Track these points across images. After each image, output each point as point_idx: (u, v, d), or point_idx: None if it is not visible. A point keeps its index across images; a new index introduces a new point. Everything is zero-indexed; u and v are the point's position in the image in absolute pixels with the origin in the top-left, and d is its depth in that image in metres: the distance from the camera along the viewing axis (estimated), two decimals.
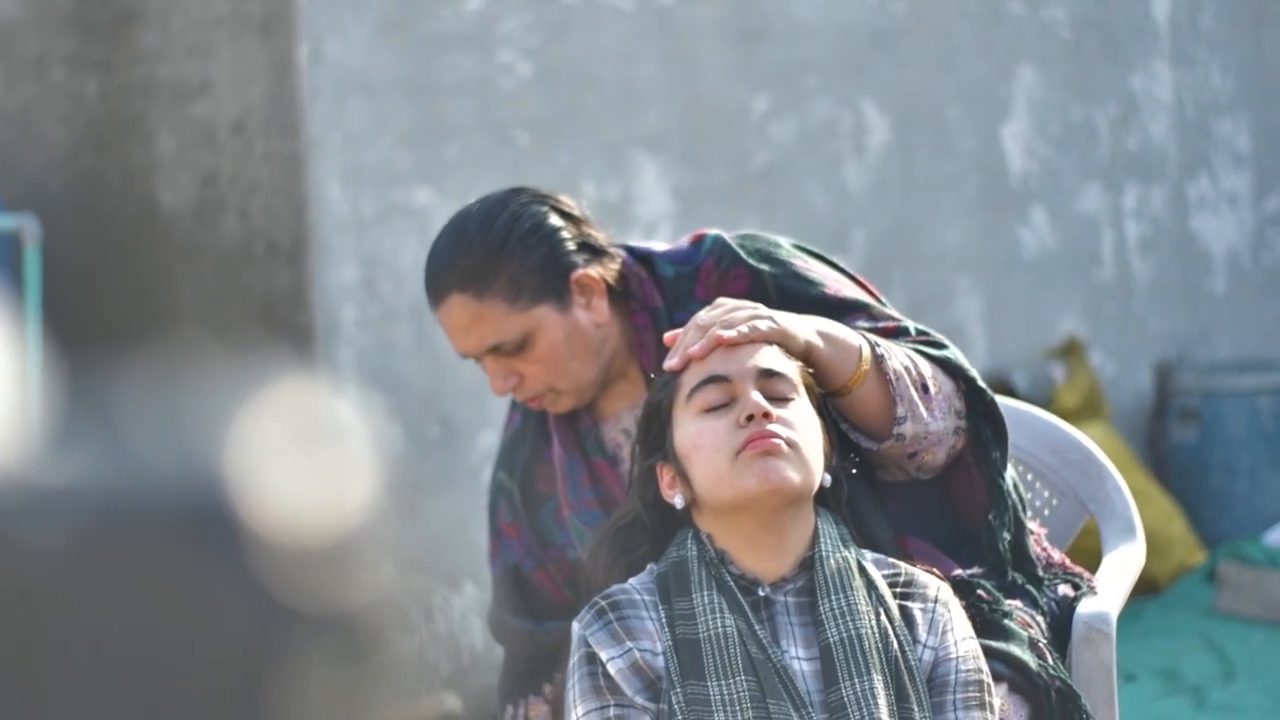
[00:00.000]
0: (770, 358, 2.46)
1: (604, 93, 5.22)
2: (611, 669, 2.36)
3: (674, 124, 5.34)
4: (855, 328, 2.62)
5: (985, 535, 2.62)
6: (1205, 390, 6.20)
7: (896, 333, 2.67)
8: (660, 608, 2.39)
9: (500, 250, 2.69)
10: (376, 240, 4.89)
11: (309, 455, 0.83)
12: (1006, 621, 2.54)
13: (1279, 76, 6.75)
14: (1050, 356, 6.07)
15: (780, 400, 2.43)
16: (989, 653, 2.46)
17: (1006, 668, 2.49)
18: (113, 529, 0.77)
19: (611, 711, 2.35)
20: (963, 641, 2.41)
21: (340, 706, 0.82)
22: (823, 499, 2.47)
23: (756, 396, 2.41)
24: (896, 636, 2.38)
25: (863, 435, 2.57)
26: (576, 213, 2.78)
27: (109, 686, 0.75)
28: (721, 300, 2.56)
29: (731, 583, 2.39)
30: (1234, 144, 6.62)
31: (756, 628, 2.37)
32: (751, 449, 2.38)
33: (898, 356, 2.57)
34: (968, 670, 2.39)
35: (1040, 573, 2.67)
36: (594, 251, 2.75)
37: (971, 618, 2.48)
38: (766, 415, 2.40)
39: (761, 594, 2.40)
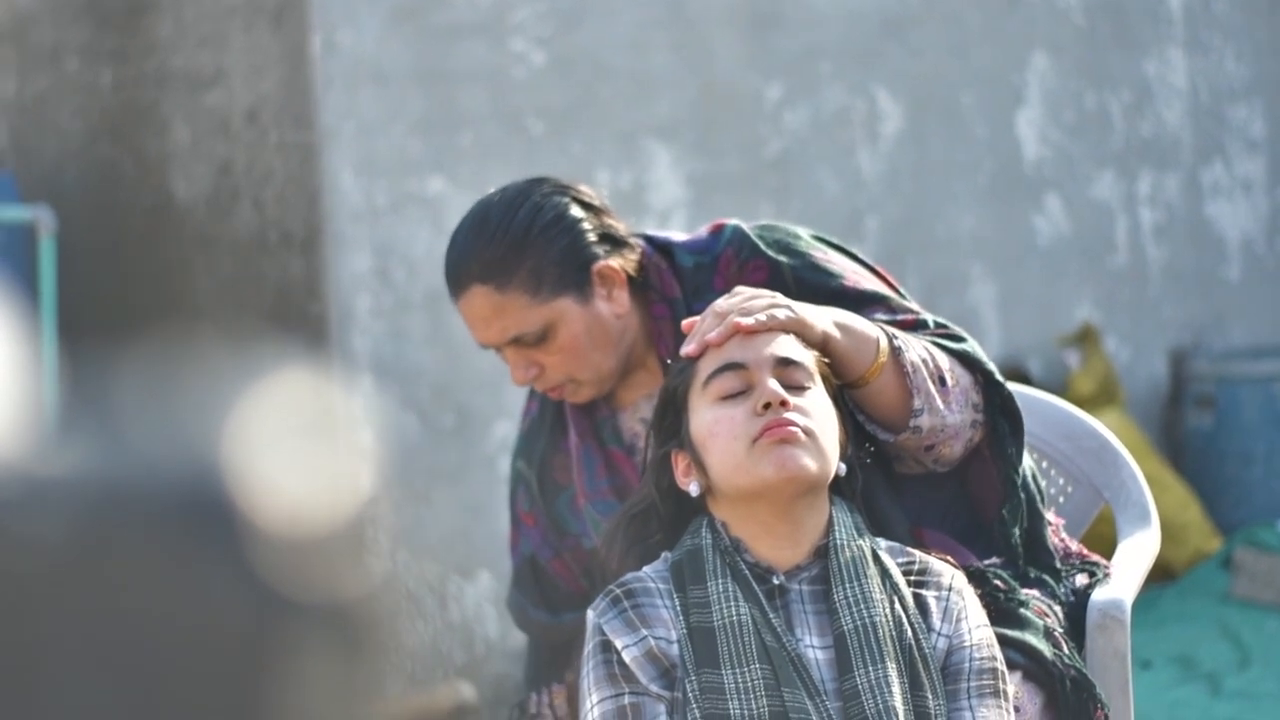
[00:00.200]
0: (787, 346, 2.46)
1: (617, 81, 5.22)
2: (626, 657, 2.36)
3: (687, 112, 5.34)
4: (874, 320, 2.61)
5: (998, 529, 2.62)
6: (1220, 377, 6.20)
7: (915, 325, 2.66)
8: (675, 596, 2.39)
9: (522, 242, 2.69)
10: (390, 229, 4.89)
11: (320, 444, 0.83)
12: (1022, 610, 2.54)
13: None
14: (1065, 343, 6.07)
15: (797, 389, 2.43)
16: (1004, 641, 2.46)
17: (1021, 656, 2.49)
18: (118, 519, 0.78)
19: (626, 699, 2.35)
20: (977, 629, 2.41)
21: (350, 696, 0.82)
22: (838, 488, 2.47)
23: (773, 384, 2.41)
24: (911, 625, 2.38)
25: (879, 427, 2.56)
26: (597, 203, 2.77)
27: (114, 676, 0.76)
28: (740, 288, 2.55)
29: (746, 571, 2.39)
30: (1248, 130, 6.61)
31: (771, 616, 2.37)
32: (768, 437, 2.38)
33: (915, 349, 2.56)
34: (982, 658, 2.39)
35: (1058, 564, 2.66)
36: (615, 242, 2.75)
37: (987, 606, 2.48)
38: (783, 403, 2.40)
39: (776, 582, 2.40)
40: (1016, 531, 2.61)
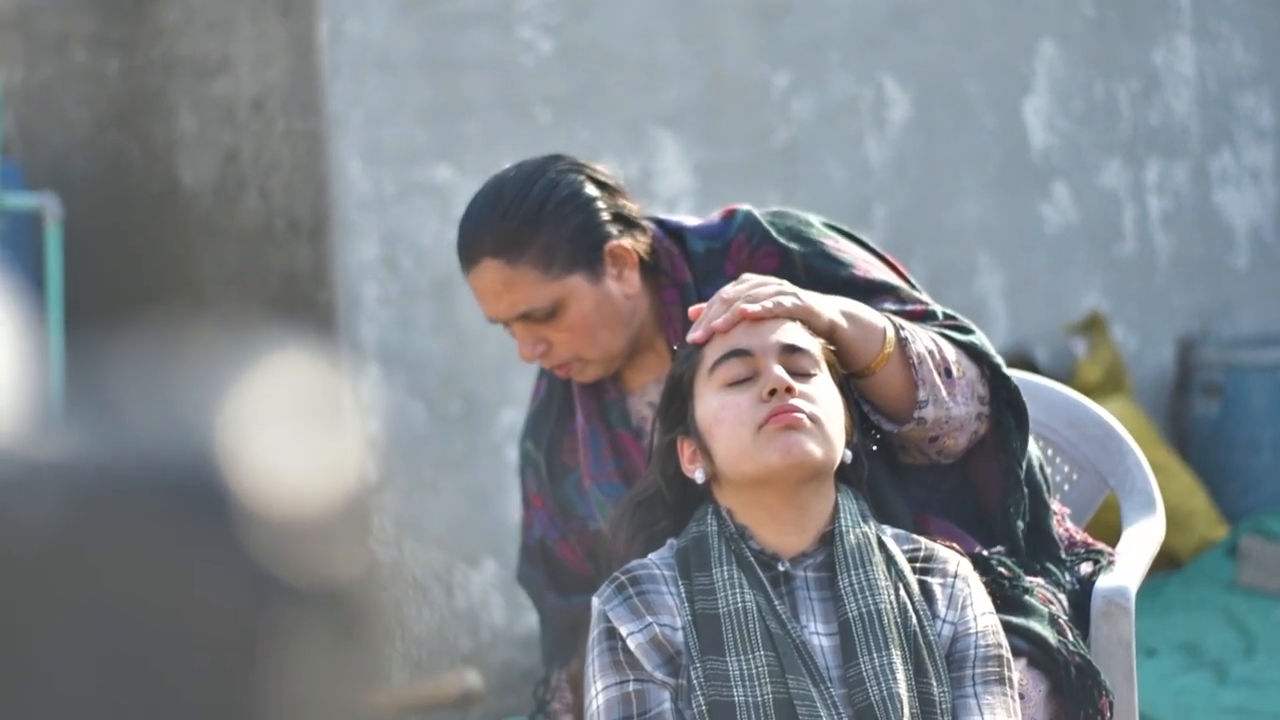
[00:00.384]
0: (793, 333, 2.46)
1: (624, 69, 5.22)
2: (631, 644, 2.36)
3: (694, 100, 5.34)
4: (882, 310, 2.61)
5: (1000, 521, 2.62)
6: (1228, 365, 6.20)
7: (923, 316, 2.66)
8: (680, 583, 2.40)
9: (536, 218, 2.69)
10: (397, 217, 4.90)
11: (327, 432, 0.84)
12: (1027, 597, 2.54)
13: None
14: (1072, 332, 6.07)
15: (803, 375, 2.43)
16: (1008, 628, 2.46)
17: (1026, 643, 2.49)
18: (121, 504, 0.78)
19: (631, 686, 2.36)
20: (982, 617, 2.41)
21: (356, 684, 0.83)
22: (843, 475, 2.48)
23: (779, 371, 2.41)
24: (916, 611, 2.38)
25: (884, 417, 2.56)
26: (612, 182, 2.77)
27: (112, 663, 0.76)
28: (747, 275, 2.55)
29: (751, 558, 2.40)
30: (1257, 119, 6.60)
31: (776, 603, 2.37)
32: (774, 423, 2.39)
33: (922, 340, 2.56)
34: (987, 645, 2.39)
35: (1063, 554, 2.66)
36: (628, 223, 2.75)
37: (992, 593, 2.48)
38: (789, 390, 2.40)
39: (781, 569, 2.40)
40: (1020, 525, 2.61)
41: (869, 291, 2.68)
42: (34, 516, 0.78)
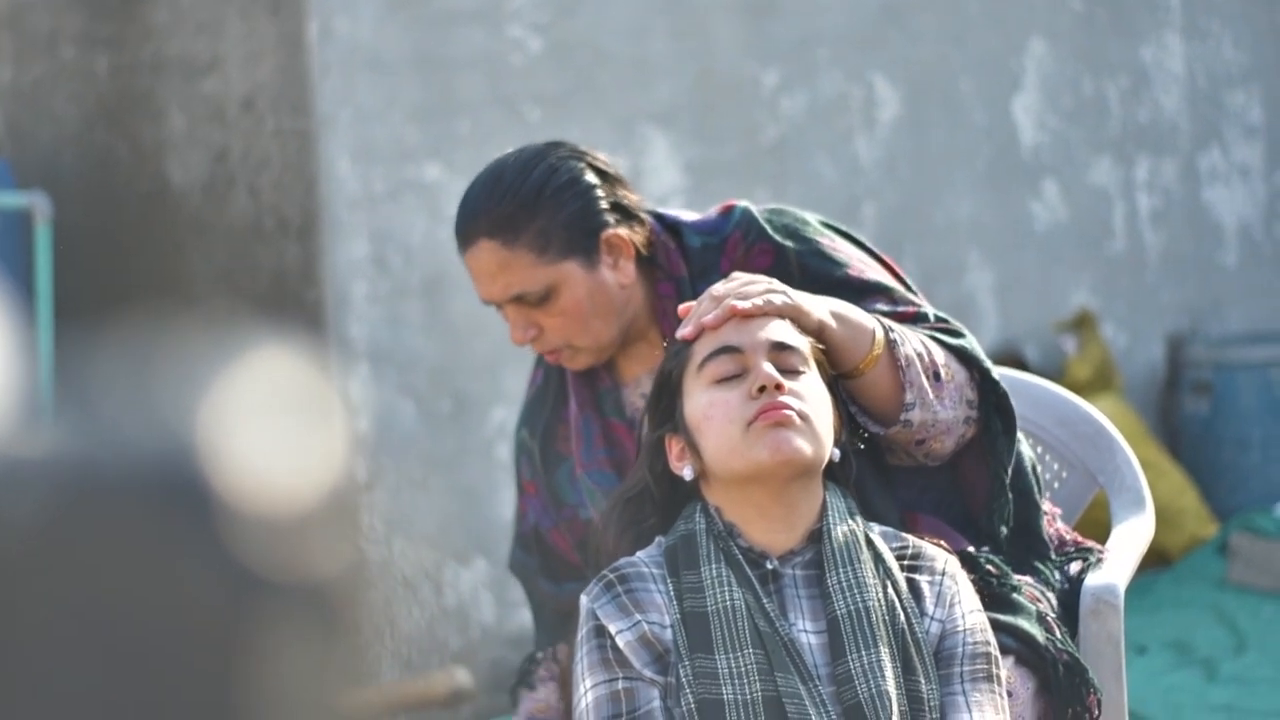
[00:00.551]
0: (782, 331, 2.46)
1: (614, 67, 5.22)
2: (620, 642, 2.36)
3: (684, 98, 5.34)
4: (875, 311, 2.61)
5: (984, 524, 2.63)
6: (1217, 362, 6.20)
7: (915, 318, 2.66)
8: (668, 580, 2.40)
9: (534, 201, 2.70)
10: (387, 216, 4.90)
11: (316, 431, 0.84)
12: (1015, 595, 2.54)
13: None
14: (1062, 329, 6.07)
15: (792, 373, 2.44)
16: (997, 626, 2.46)
17: (1014, 640, 2.50)
18: (108, 503, 0.78)
19: (620, 684, 2.36)
20: (970, 614, 2.41)
21: (347, 682, 0.83)
22: (831, 474, 2.48)
23: (768, 368, 2.42)
24: (904, 609, 2.38)
25: (870, 419, 2.56)
26: (612, 172, 2.78)
27: (103, 660, 0.76)
28: (737, 273, 2.56)
29: (740, 556, 2.40)
30: (1246, 116, 6.61)
31: (764, 601, 2.37)
32: (763, 420, 2.39)
33: (912, 342, 2.56)
34: (975, 643, 2.39)
35: (1053, 554, 2.67)
36: (626, 213, 2.75)
37: (980, 591, 2.48)
38: (779, 387, 2.40)
39: (770, 567, 2.40)
40: (1004, 530, 2.61)
41: (862, 291, 2.68)
42: (22, 514, 0.78)
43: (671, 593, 2.39)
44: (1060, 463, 2.94)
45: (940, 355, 2.59)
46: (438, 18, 4.96)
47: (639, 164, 5.23)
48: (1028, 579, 2.60)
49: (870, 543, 2.43)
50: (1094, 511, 3.01)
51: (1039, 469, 2.75)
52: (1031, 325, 6.06)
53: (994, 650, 2.40)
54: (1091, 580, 2.65)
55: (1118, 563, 2.70)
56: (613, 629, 2.37)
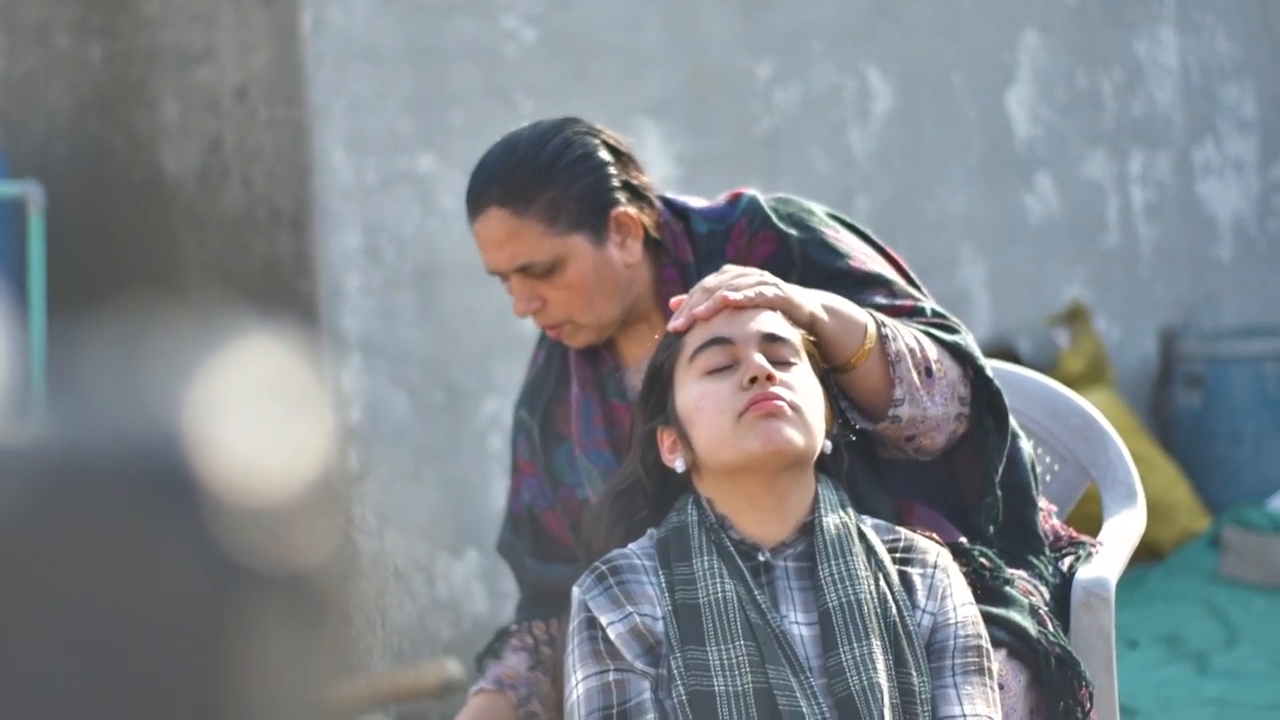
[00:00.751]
0: (774, 322, 2.46)
1: (608, 59, 5.22)
2: (611, 634, 2.36)
3: (678, 90, 5.34)
4: (872, 304, 2.61)
5: (974, 519, 2.63)
6: (1210, 356, 6.21)
7: (912, 312, 2.66)
8: (660, 573, 2.40)
9: (547, 173, 2.71)
10: (380, 207, 4.89)
11: (308, 422, 0.84)
12: (1007, 588, 2.54)
13: None
14: (1055, 323, 6.07)
15: (783, 364, 2.44)
16: (988, 619, 2.46)
17: (1006, 633, 2.50)
18: (98, 491, 0.78)
19: (611, 676, 2.36)
20: (962, 607, 2.41)
21: (338, 673, 0.83)
22: (823, 467, 2.48)
23: (759, 359, 2.42)
24: (895, 602, 2.38)
25: (859, 414, 2.56)
26: (626, 151, 2.79)
27: (93, 650, 0.76)
28: (729, 265, 2.56)
29: (731, 548, 2.40)
30: (1240, 110, 6.61)
31: (756, 593, 2.37)
32: (754, 411, 2.39)
33: (904, 338, 2.56)
34: (967, 636, 2.39)
35: (1047, 551, 2.67)
36: (636, 193, 2.76)
37: (972, 584, 2.49)
38: (770, 378, 2.40)
39: (761, 559, 2.40)
40: (991, 529, 2.61)
41: (862, 283, 2.68)
42: (13, 502, 0.78)
43: (663, 584, 2.39)
44: (1052, 456, 2.95)
45: (933, 351, 2.59)
46: (431, 8, 4.96)
47: None
48: (1021, 572, 2.60)
49: (862, 535, 2.43)
50: (1086, 505, 3.01)
51: (1037, 466, 2.75)
52: (1024, 318, 6.06)
53: (985, 643, 2.41)
54: (1082, 574, 2.66)
55: (1109, 556, 2.70)
56: (604, 620, 2.37)
